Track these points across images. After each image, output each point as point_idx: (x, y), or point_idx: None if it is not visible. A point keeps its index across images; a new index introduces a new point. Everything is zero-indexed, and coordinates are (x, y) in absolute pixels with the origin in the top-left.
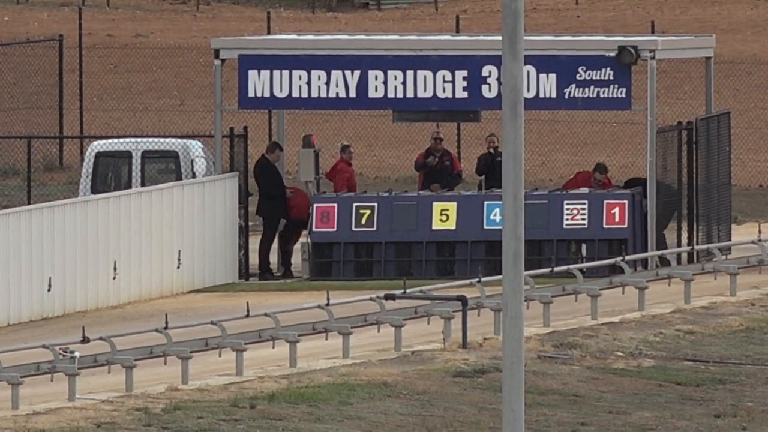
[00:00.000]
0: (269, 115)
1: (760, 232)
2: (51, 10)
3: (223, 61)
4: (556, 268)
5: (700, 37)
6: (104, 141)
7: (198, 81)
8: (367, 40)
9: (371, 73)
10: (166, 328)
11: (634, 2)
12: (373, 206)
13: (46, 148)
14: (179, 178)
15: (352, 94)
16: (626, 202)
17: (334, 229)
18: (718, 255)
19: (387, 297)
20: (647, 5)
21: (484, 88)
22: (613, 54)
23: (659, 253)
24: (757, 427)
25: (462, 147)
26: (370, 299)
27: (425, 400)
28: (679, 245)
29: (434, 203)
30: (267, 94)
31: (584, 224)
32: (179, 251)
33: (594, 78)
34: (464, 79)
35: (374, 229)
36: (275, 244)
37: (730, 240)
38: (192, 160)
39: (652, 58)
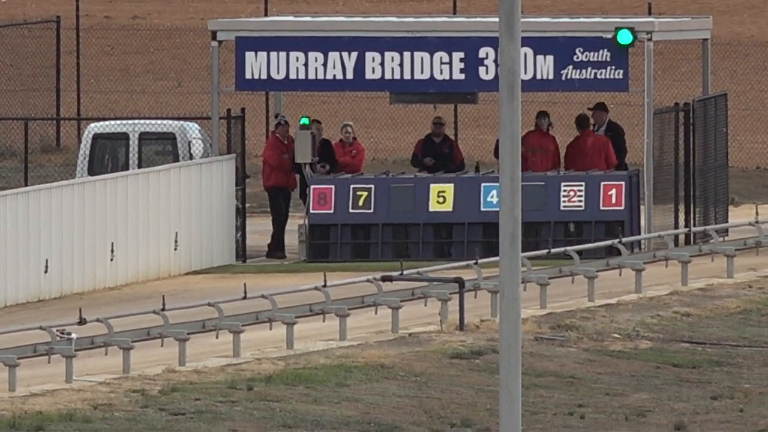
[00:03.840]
0: (266, 97)
1: (757, 213)
2: None
3: (220, 42)
4: (553, 250)
5: (697, 19)
6: (101, 123)
7: (195, 63)
8: (365, 22)
9: (368, 55)
10: (163, 309)
11: None
12: (370, 188)
13: (44, 130)
14: (176, 159)
15: (350, 75)
16: (623, 183)
17: (331, 211)
18: (715, 237)
19: (384, 279)
20: None
21: (482, 69)
22: (610, 36)
23: (656, 234)
24: (754, 408)
25: (459, 129)
26: (367, 281)
27: (422, 382)
28: (676, 227)
29: (431, 185)
30: (264, 76)
31: (581, 206)
32: (176, 233)
33: (591, 59)
34: (461, 60)
35: (371, 210)
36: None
37: (727, 222)
38: (189, 142)
39: (649, 39)
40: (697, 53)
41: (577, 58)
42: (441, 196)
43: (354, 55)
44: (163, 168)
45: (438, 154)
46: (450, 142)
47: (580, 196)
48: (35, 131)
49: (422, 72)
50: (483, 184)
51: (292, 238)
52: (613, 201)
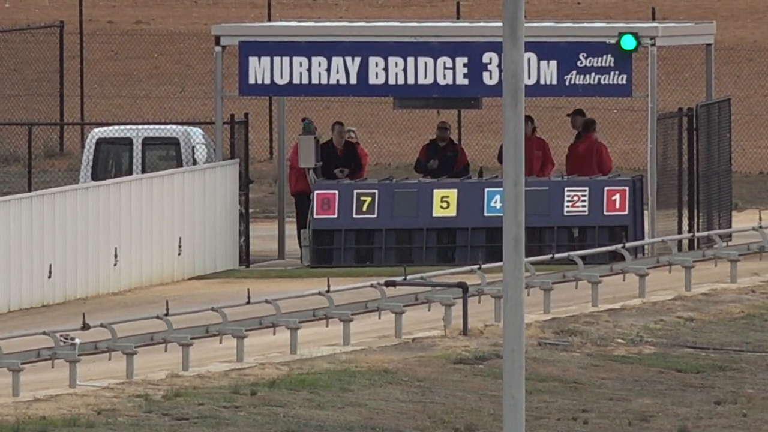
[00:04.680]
0: (270, 102)
1: (760, 218)
2: None
3: (223, 47)
4: (557, 255)
5: (700, 24)
6: (105, 128)
7: (199, 68)
8: (368, 27)
9: (372, 60)
10: (166, 314)
11: None
12: (374, 193)
13: (47, 135)
14: (180, 164)
15: (353, 80)
16: (627, 188)
17: (335, 216)
18: (718, 242)
19: (388, 284)
20: None
21: (485, 74)
22: (613, 41)
23: (659, 239)
24: (757, 413)
25: (463, 134)
26: (371, 286)
27: (426, 387)
28: (679, 232)
29: (435, 190)
30: (268, 81)
31: (585, 211)
32: (180, 238)
33: (595, 65)
34: (465, 65)
35: (375, 216)
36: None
37: (730, 227)
38: (193, 147)
39: (653, 44)
40: (700, 58)
41: (581, 63)
42: (444, 202)
43: (357, 60)
44: (166, 173)
45: (442, 159)
46: (454, 146)
47: (584, 201)
48: (39, 136)
49: (426, 77)
50: (486, 189)
51: (295, 244)
52: (617, 206)
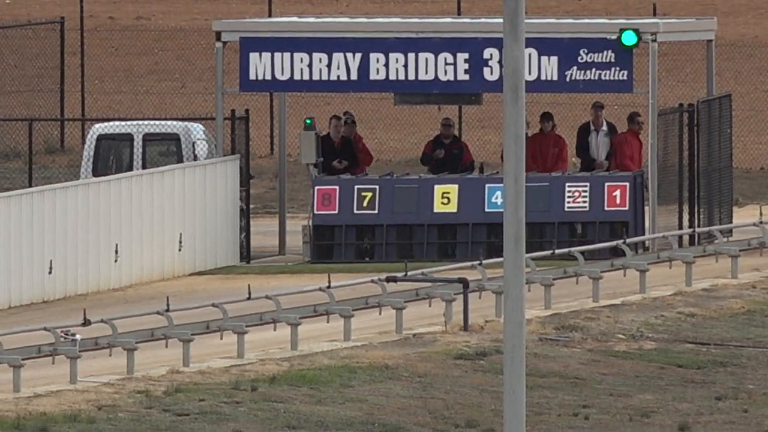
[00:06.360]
0: (270, 98)
1: (761, 214)
2: None
3: (224, 43)
4: (558, 251)
5: (701, 20)
6: (106, 124)
7: (199, 63)
8: (369, 23)
9: (373, 56)
10: (167, 310)
11: None
12: (375, 189)
13: (48, 131)
14: (181, 160)
15: (354, 76)
16: (627, 184)
17: (336, 212)
18: (719, 237)
19: (388, 279)
20: None
21: (486, 70)
22: (614, 37)
23: (660, 235)
24: (758, 409)
25: (464, 130)
26: (372, 282)
27: (426, 383)
28: (680, 227)
29: (435, 186)
30: (268, 77)
31: (585, 207)
32: (180, 234)
33: (595, 60)
34: (466, 61)
35: (376, 211)
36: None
37: (731, 222)
38: (193, 143)
39: (654, 40)
40: (701, 54)
41: (582, 59)
42: (445, 197)
43: (358, 56)
44: (167, 169)
45: (448, 155)
46: (459, 143)
47: (585, 196)
48: (39, 132)
49: (426, 73)
50: (487, 185)
51: (296, 239)
52: (618, 202)
